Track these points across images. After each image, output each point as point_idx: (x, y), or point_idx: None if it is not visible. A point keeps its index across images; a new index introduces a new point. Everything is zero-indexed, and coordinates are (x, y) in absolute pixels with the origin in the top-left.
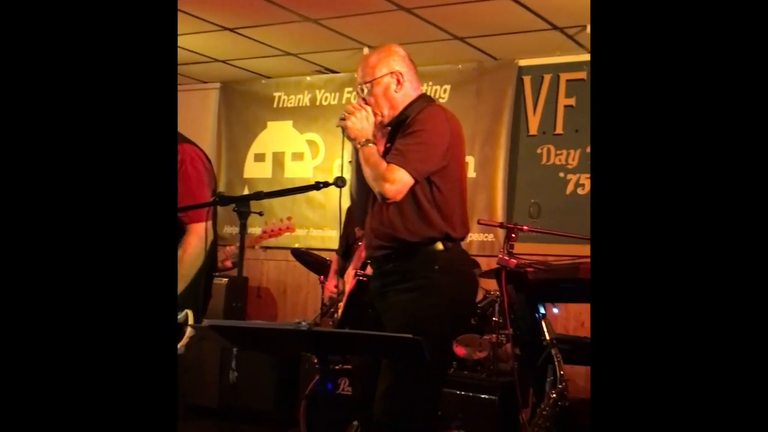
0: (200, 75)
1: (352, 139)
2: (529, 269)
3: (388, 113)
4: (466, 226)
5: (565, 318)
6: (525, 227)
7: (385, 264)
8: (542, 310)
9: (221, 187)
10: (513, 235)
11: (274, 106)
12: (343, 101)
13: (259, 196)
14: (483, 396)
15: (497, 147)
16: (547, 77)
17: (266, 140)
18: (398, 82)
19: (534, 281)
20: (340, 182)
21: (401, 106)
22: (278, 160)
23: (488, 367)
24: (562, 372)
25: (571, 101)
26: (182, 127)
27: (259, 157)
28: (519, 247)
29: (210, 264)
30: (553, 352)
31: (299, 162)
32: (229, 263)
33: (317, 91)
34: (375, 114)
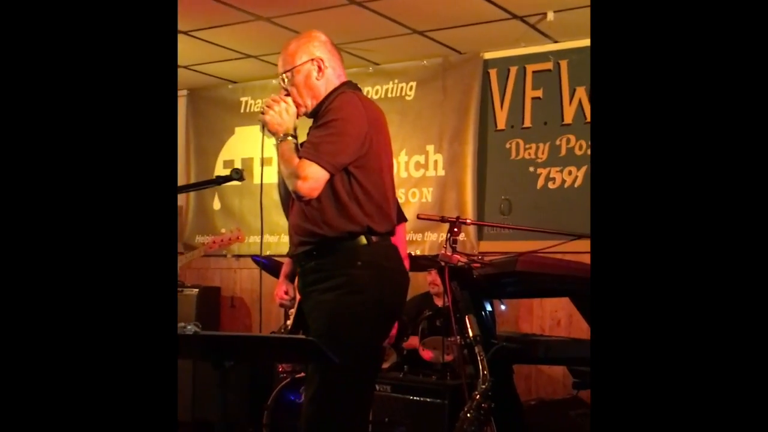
0: None
1: (272, 134)
2: (475, 265)
3: (310, 103)
4: (390, 219)
5: (541, 317)
6: (468, 220)
7: (306, 262)
8: (488, 307)
9: (191, 198)
10: (456, 230)
11: (242, 111)
12: None
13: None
14: (432, 400)
15: (465, 143)
16: (513, 69)
17: (235, 146)
18: (319, 68)
19: (478, 277)
20: (235, 174)
21: (323, 95)
22: (247, 165)
23: (456, 369)
24: (485, 372)
25: (539, 93)
26: None
27: (228, 164)
28: (489, 245)
29: None
30: (476, 350)
31: (268, 167)
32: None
33: None
34: (297, 105)
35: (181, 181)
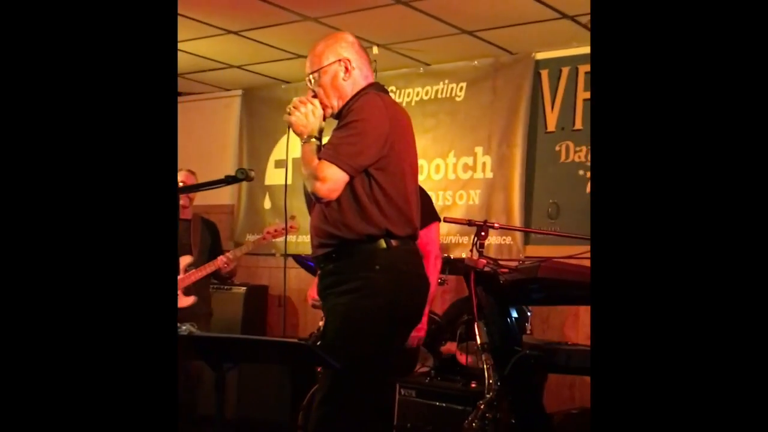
0: (222, 82)
1: (297, 135)
2: (502, 270)
3: (336, 104)
4: (411, 222)
5: (587, 324)
6: (496, 224)
7: (326, 264)
8: (514, 314)
9: (242, 197)
10: (483, 233)
11: None
12: None
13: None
14: (456, 406)
15: (514, 145)
16: (565, 70)
17: (286, 146)
18: (346, 69)
19: (504, 283)
20: (240, 174)
21: (350, 96)
22: (298, 166)
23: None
24: (491, 381)
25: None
26: (206, 136)
27: (280, 164)
28: (536, 250)
29: None
30: (484, 357)
31: None
32: (228, 268)
33: None
34: (324, 106)
35: None
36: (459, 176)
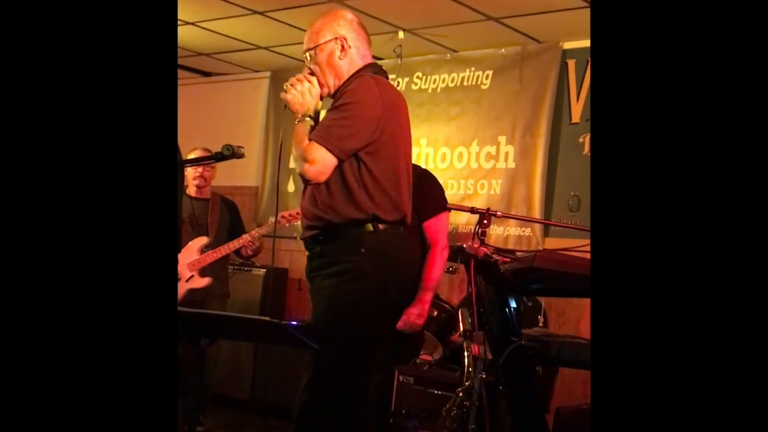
0: (250, 63)
1: (293, 113)
2: (505, 258)
3: (333, 83)
4: (400, 208)
5: None
6: (498, 213)
7: (313, 246)
8: (513, 304)
9: (266, 179)
10: (485, 222)
11: None
12: None
13: None
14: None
15: (537, 136)
16: None
17: None
18: (342, 48)
19: (504, 272)
20: (226, 151)
21: (347, 75)
22: None
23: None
24: (470, 369)
25: None
26: (234, 116)
27: None
28: (556, 242)
29: None
30: (465, 345)
31: None
32: (249, 251)
33: None
34: (321, 85)
35: (259, 161)
36: (481, 165)
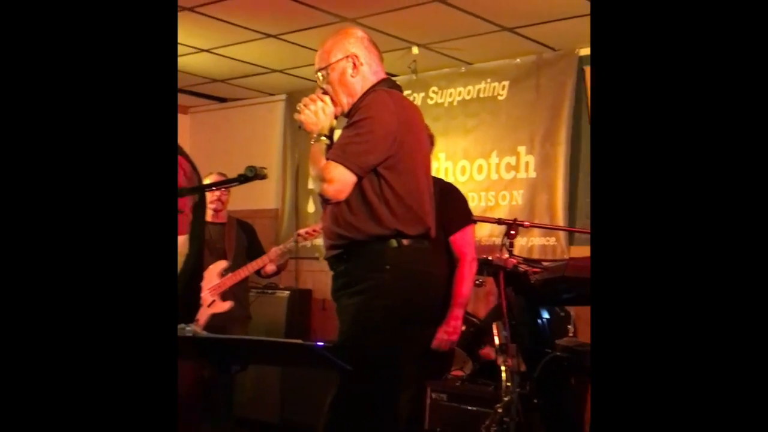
0: (265, 87)
1: (308, 133)
2: (534, 269)
3: (346, 101)
4: (423, 221)
5: None
6: (526, 223)
7: (337, 266)
8: (545, 315)
9: (286, 201)
10: (512, 232)
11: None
12: None
13: (182, 192)
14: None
15: (558, 144)
16: None
17: None
18: (354, 66)
19: (535, 283)
20: (249, 172)
21: (360, 92)
22: None
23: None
24: (509, 384)
25: None
26: (250, 141)
27: None
28: (581, 251)
29: (188, 280)
30: (499, 361)
31: None
32: (273, 267)
33: None
34: (335, 103)
35: (278, 183)
36: (502, 176)
